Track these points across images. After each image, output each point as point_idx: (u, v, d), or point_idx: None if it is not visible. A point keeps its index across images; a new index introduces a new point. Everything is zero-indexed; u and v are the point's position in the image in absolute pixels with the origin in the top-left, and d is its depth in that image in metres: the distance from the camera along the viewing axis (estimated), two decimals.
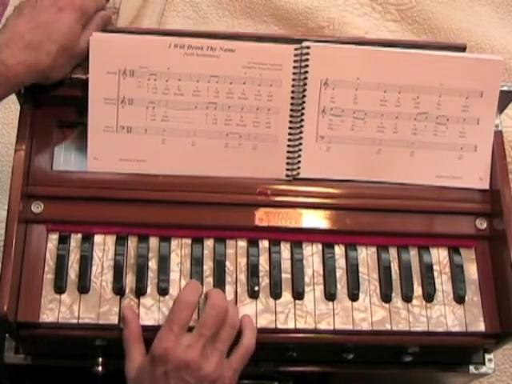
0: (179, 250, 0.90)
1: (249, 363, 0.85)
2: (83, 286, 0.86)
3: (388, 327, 0.88)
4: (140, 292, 0.87)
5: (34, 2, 0.88)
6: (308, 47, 0.90)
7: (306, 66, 0.90)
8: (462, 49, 0.97)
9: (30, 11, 0.87)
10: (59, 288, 0.86)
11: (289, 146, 0.93)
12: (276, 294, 0.88)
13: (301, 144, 0.93)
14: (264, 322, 0.87)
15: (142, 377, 0.81)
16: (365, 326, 0.88)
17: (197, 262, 0.89)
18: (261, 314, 0.87)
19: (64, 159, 0.92)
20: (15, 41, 0.84)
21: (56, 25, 0.86)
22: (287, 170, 0.93)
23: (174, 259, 0.89)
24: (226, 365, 0.82)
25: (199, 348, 0.80)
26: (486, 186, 0.95)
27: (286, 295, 0.88)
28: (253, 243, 0.91)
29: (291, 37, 0.94)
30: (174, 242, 0.90)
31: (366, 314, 0.89)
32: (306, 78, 0.91)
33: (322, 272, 0.90)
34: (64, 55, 0.87)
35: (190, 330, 0.82)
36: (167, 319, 0.82)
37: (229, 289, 0.88)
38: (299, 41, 0.91)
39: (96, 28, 0.90)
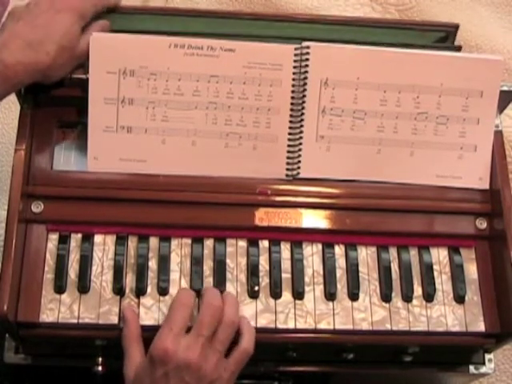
0: (179, 250, 0.90)
1: (249, 363, 0.84)
2: (83, 286, 0.86)
3: (388, 327, 0.88)
4: (140, 292, 0.87)
5: (31, 6, 0.88)
6: (308, 47, 0.90)
7: (306, 65, 0.90)
8: (457, 49, 0.97)
9: (27, 15, 0.87)
10: (59, 288, 0.86)
11: (289, 145, 0.92)
12: (276, 293, 0.88)
13: (301, 144, 0.93)
14: (264, 321, 0.87)
15: (141, 377, 0.81)
16: (365, 326, 0.88)
17: (197, 262, 0.89)
18: (261, 313, 0.87)
19: (64, 159, 0.92)
20: (14, 40, 0.84)
21: (54, 26, 0.87)
22: (287, 169, 0.93)
23: (174, 259, 0.89)
24: (224, 366, 0.82)
25: (198, 348, 0.80)
26: (486, 186, 0.95)
27: (286, 295, 0.88)
28: (253, 243, 0.91)
29: (291, 36, 0.94)
30: (174, 242, 0.90)
31: (366, 313, 0.89)
32: (306, 78, 0.91)
33: (322, 272, 0.90)
34: (63, 55, 0.87)
35: (188, 330, 0.82)
36: (166, 320, 0.83)
37: (229, 288, 0.88)
38: (299, 40, 0.91)
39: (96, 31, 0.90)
